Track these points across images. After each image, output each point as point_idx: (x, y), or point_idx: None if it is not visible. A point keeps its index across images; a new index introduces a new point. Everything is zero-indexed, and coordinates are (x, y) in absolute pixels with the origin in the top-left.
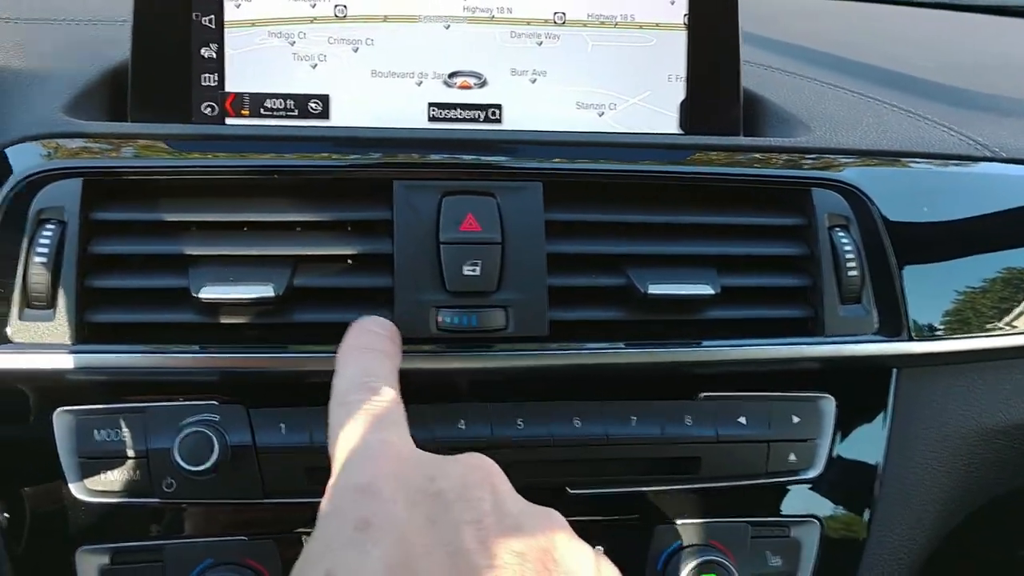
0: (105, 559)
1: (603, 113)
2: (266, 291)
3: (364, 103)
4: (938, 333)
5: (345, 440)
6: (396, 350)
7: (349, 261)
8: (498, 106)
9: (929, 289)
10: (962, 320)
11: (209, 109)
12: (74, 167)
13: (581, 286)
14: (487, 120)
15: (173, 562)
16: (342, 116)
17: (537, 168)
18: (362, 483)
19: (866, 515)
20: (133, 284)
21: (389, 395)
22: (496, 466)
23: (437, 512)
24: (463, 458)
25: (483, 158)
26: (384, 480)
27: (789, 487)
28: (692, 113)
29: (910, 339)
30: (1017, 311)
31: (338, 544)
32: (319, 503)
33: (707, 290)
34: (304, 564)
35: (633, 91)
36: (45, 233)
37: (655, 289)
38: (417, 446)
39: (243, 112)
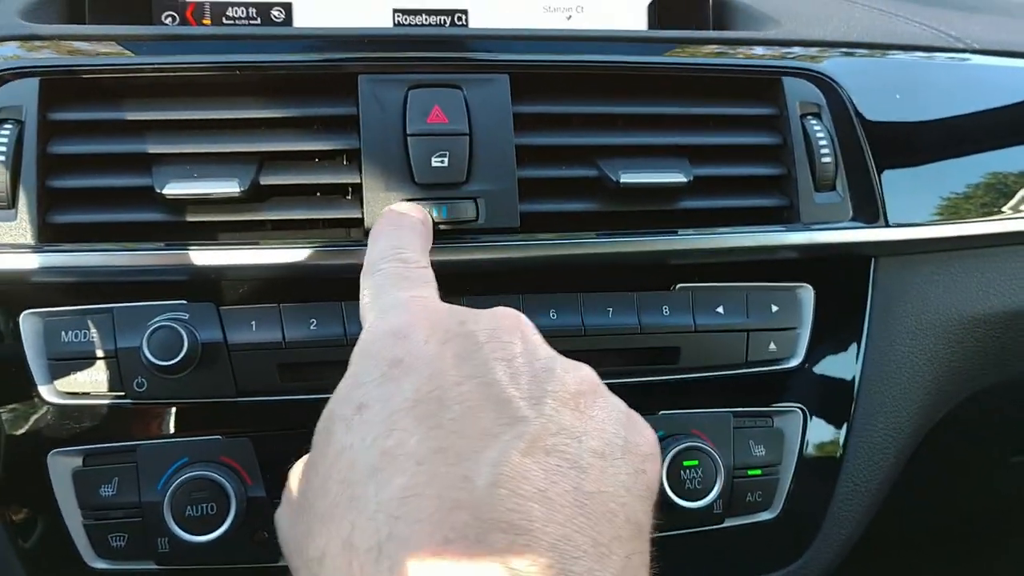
0: (78, 461)
1: (571, 16)
2: (231, 187)
3: (327, 10)
4: (914, 220)
5: (376, 298)
6: (426, 230)
7: (316, 160)
8: (464, 11)
9: (904, 176)
10: (938, 207)
11: (170, 19)
12: (30, 67)
13: (552, 178)
14: (452, 26)
15: (147, 462)
16: (305, 24)
17: (503, 60)
18: (395, 328)
19: (849, 404)
20: (95, 184)
21: (419, 262)
22: (526, 319)
23: (469, 350)
24: (494, 309)
25: (448, 52)
26: (416, 326)
27: (771, 377)
28: (661, 14)
29: (886, 225)
30: (994, 197)
31: (370, 379)
32: (293, 401)
33: (680, 178)
34: (336, 401)
35: None
36: (2, 133)
37: (627, 178)
38: None
39: (204, 21)
